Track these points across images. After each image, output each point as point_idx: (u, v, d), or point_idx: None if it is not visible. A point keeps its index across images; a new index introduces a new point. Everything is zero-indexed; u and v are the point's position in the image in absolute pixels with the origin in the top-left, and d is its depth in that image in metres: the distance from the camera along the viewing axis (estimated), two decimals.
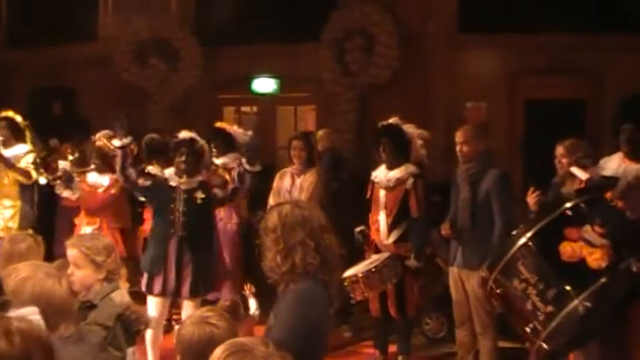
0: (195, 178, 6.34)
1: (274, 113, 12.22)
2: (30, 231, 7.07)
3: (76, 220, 7.61)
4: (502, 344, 6.33)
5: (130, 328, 3.70)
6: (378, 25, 10.82)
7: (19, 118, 7.71)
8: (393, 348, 6.93)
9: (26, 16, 13.02)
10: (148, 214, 7.88)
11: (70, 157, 7.80)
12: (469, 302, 6.22)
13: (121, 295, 3.81)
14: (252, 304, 6.21)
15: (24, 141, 7.68)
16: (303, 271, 3.24)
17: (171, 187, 6.32)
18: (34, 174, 7.52)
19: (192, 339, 2.92)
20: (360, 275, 6.18)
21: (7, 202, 7.58)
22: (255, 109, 12.56)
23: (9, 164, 7.46)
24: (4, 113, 7.71)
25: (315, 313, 3.21)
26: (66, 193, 7.38)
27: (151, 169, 6.78)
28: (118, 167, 6.44)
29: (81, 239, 4.10)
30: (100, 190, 7.47)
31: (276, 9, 11.59)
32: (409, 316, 6.74)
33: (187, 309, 6.19)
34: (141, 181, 6.35)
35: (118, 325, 3.64)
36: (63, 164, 7.42)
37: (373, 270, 6.20)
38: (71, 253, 3.84)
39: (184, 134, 6.56)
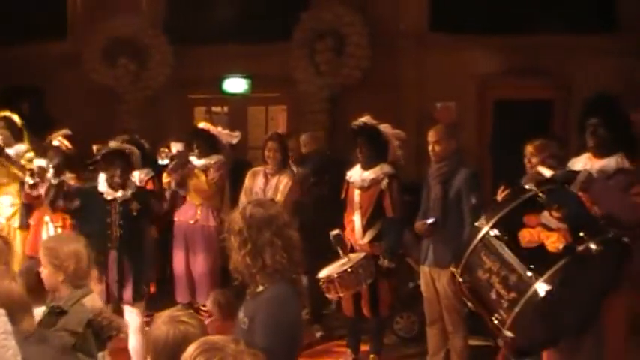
0: (128, 189, 6.33)
1: (245, 113, 12.20)
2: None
3: (32, 220, 7.51)
4: (473, 342, 6.39)
5: (101, 334, 3.67)
6: (349, 25, 10.83)
7: (16, 118, 7.63)
8: (365, 347, 6.96)
9: None
10: None
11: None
12: (440, 301, 6.28)
13: (93, 299, 3.80)
14: None
15: (22, 140, 7.61)
16: (274, 270, 3.26)
17: (105, 200, 6.29)
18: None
19: (167, 338, 2.89)
20: (336, 275, 6.20)
21: (8, 201, 7.48)
22: (225, 109, 12.54)
23: (13, 162, 7.37)
24: (2, 113, 7.64)
25: (290, 316, 3.24)
26: (41, 192, 7.29)
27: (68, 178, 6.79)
28: (47, 201, 6.48)
29: (48, 240, 4.13)
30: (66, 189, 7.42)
31: (247, 9, 11.56)
32: (382, 316, 6.77)
33: (131, 315, 6.18)
34: (70, 205, 6.38)
35: (88, 330, 3.62)
36: (38, 162, 7.34)
37: (349, 270, 6.21)
38: (40, 252, 3.88)
39: (114, 145, 6.54)
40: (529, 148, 5.90)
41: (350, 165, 6.92)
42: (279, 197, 7.04)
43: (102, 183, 6.36)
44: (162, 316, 3.01)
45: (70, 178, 6.87)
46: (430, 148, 6.28)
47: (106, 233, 6.20)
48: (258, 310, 3.23)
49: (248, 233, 3.27)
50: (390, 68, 10.86)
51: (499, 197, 5.42)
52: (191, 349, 2.36)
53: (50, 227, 7.37)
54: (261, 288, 3.30)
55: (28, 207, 7.56)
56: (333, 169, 7.84)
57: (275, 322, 3.13)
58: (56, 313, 3.64)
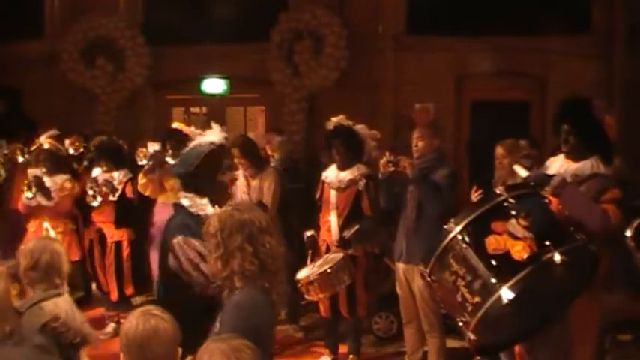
0: None
1: (224, 114, 12.19)
2: None
3: (31, 227, 7.48)
4: (452, 343, 6.41)
5: (59, 340, 3.59)
6: (327, 26, 10.85)
7: None
8: (343, 348, 6.98)
9: None
10: (97, 217, 7.84)
11: (21, 159, 7.70)
12: (416, 300, 6.31)
13: (55, 303, 3.68)
14: None
15: None
16: (242, 276, 3.21)
17: None
18: (2, 173, 7.37)
19: (136, 331, 2.85)
20: (316, 276, 6.21)
21: None
22: (204, 109, 12.52)
23: None
24: None
25: (255, 321, 3.15)
26: (41, 200, 7.25)
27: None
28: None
29: (25, 241, 4.09)
30: (66, 194, 7.41)
31: (225, 9, 11.56)
32: (359, 316, 6.79)
33: None
34: None
35: (42, 335, 3.51)
36: (33, 171, 7.31)
37: (329, 271, 6.22)
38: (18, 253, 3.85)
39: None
40: (499, 149, 5.96)
41: (321, 165, 6.94)
42: (264, 198, 7.03)
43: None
44: (137, 311, 2.98)
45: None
46: (414, 144, 6.32)
47: None
48: (224, 314, 3.20)
49: (221, 237, 3.24)
50: (368, 69, 10.90)
51: (472, 197, 5.51)
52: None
53: (51, 234, 7.34)
54: (231, 296, 3.25)
55: (25, 214, 7.53)
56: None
57: (237, 328, 3.01)
58: (18, 314, 3.56)
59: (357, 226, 6.48)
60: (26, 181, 7.23)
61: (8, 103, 12.03)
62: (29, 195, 7.17)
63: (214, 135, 4.73)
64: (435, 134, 6.42)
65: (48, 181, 7.41)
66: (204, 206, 4.53)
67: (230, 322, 3.13)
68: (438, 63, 10.82)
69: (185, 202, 4.58)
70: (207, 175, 4.67)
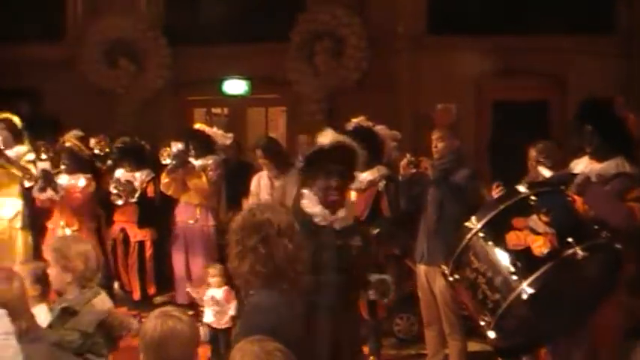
0: None
1: (245, 115, 12.23)
2: None
3: (50, 224, 7.56)
4: (473, 346, 6.38)
5: (111, 334, 3.71)
6: (347, 26, 10.87)
7: (16, 120, 7.66)
8: (364, 349, 6.96)
9: None
10: (118, 217, 7.89)
11: (44, 156, 7.76)
12: (437, 302, 6.29)
13: (102, 300, 3.83)
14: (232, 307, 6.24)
15: (22, 142, 7.63)
16: (254, 277, 3.19)
17: None
18: (35, 173, 7.44)
19: (154, 332, 2.88)
20: None
21: (9, 202, 7.51)
22: (225, 110, 12.56)
23: (12, 162, 7.39)
24: (2, 115, 7.66)
25: (272, 322, 3.07)
26: (49, 194, 7.31)
27: None
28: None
29: (57, 240, 4.16)
30: (78, 191, 7.46)
31: (246, 10, 11.59)
32: (379, 318, 6.78)
33: None
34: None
35: (98, 331, 3.65)
36: (42, 165, 7.38)
37: None
38: (48, 252, 3.90)
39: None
40: (532, 152, 5.94)
41: None
42: (287, 199, 7.04)
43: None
44: (156, 311, 3.01)
45: None
46: (433, 144, 6.30)
47: None
48: (241, 315, 3.22)
49: (240, 236, 3.22)
50: (388, 70, 10.90)
51: (493, 193, 5.46)
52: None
53: (67, 232, 7.41)
54: (252, 292, 3.24)
55: (43, 210, 7.60)
56: None
57: (253, 329, 2.97)
58: (68, 314, 3.67)
59: (375, 231, 6.47)
60: (28, 172, 7.31)
61: (30, 104, 12.13)
62: (28, 184, 7.26)
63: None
64: (454, 135, 6.40)
65: (64, 178, 7.46)
66: None
67: (247, 323, 3.12)
68: (458, 63, 10.78)
69: None
70: None
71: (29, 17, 12.30)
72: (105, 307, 3.78)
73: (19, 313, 3.31)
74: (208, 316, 6.60)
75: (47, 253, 3.91)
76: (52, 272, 3.86)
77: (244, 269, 3.19)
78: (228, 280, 6.97)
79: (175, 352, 2.86)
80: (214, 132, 7.94)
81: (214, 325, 6.56)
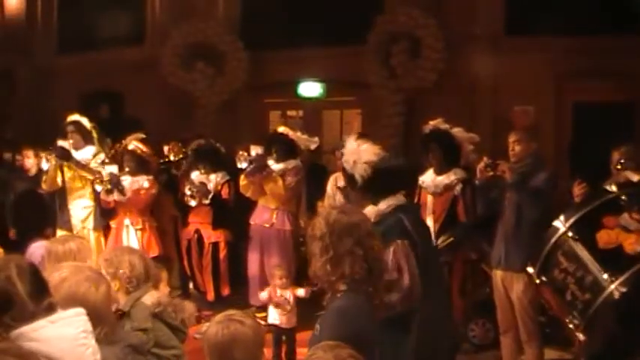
0: None
1: (320, 117, 12.24)
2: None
3: (113, 223, 7.69)
4: (550, 354, 6.22)
5: (171, 322, 3.71)
6: (424, 28, 10.77)
7: (85, 121, 7.83)
8: None
9: (76, 21, 13.24)
10: (192, 218, 7.98)
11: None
12: (513, 309, 6.14)
13: (151, 295, 3.81)
14: None
15: (92, 143, 7.80)
16: (351, 280, 3.17)
17: None
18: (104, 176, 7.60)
19: (216, 337, 2.87)
20: None
21: (82, 204, 7.69)
22: (301, 113, 12.60)
23: (81, 166, 7.57)
24: (72, 117, 7.85)
25: (357, 328, 3.08)
26: (116, 196, 7.44)
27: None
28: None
29: (104, 252, 4.23)
30: (142, 193, 7.59)
31: (322, 13, 11.60)
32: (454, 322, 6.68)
33: None
34: None
35: (157, 323, 3.66)
36: (109, 168, 7.52)
37: None
38: (100, 262, 3.95)
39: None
40: (615, 155, 5.76)
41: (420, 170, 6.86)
42: None
43: None
44: (220, 316, 2.99)
45: None
46: (510, 148, 6.17)
47: None
48: (326, 319, 3.18)
49: (330, 240, 3.20)
50: (465, 71, 10.76)
51: (575, 189, 5.28)
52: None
53: (131, 230, 7.56)
54: (334, 300, 3.22)
55: (109, 210, 7.74)
56: None
57: (338, 334, 2.95)
58: (120, 317, 3.68)
59: (451, 238, 6.37)
60: (99, 175, 7.46)
61: (111, 107, 12.42)
62: (99, 188, 7.41)
63: None
64: (531, 137, 6.25)
65: (128, 180, 7.58)
66: None
67: (331, 328, 3.09)
68: (537, 64, 10.57)
69: None
70: None
71: (110, 22, 12.59)
72: (154, 300, 3.75)
73: (101, 318, 3.33)
74: (273, 316, 6.59)
75: (99, 263, 3.94)
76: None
77: (338, 274, 3.18)
78: (292, 281, 7.02)
79: (239, 356, 2.85)
80: (298, 136, 7.95)
81: (283, 326, 6.56)
